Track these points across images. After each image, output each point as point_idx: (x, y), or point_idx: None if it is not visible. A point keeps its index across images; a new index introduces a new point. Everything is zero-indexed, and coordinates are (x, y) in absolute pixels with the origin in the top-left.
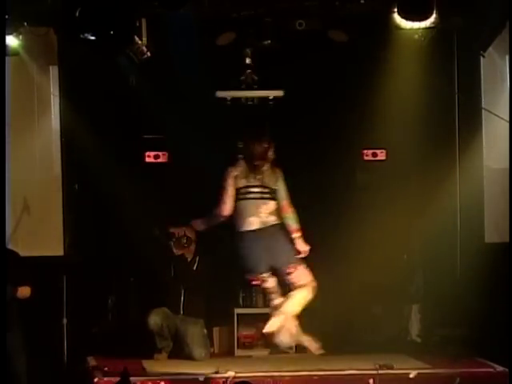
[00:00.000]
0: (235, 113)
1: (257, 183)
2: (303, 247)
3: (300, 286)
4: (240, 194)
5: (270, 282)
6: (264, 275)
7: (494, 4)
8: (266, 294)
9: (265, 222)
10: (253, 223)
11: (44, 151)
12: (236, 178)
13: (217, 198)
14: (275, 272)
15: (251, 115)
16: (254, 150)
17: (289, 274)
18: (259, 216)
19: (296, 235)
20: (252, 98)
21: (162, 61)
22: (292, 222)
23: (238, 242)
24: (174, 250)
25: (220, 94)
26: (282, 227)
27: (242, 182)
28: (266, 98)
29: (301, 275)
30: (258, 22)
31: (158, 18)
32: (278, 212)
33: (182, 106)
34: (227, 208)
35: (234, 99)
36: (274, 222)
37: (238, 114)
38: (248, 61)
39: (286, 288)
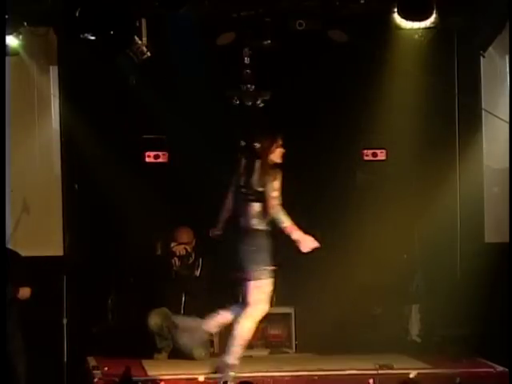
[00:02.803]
0: (240, 112)
1: (246, 183)
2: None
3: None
4: (235, 192)
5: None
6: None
7: (494, 4)
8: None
9: (249, 224)
10: (240, 222)
11: (44, 151)
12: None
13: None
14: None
15: (257, 115)
16: (254, 152)
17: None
18: (245, 217)
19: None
20: (253, 97)
21: (162, 61)
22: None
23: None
24: (176, 267)
25: (229, 92)
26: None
27: (239, 181)
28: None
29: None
30: (258, 22)
31: (158, 18)
32: (261, 215)
33: (182, 105)
34: (228, 203)
35: (240, 99)
36: (257, 227)
37: (243, 113)
38: (247, 60)
39: None
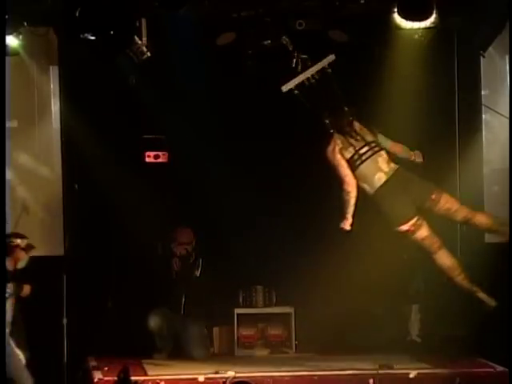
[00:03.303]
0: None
1: (361, 144)
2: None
3: (451, 210)
4: (355, 162)
5: (424, 229)
6: (415, 220)
7: (494, 4)
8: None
9: (388, 173)
10: (381, 178)
11: (44, 151)
12: (341, 150)
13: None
14: (423, 211)
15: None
16: (342, 120)
17: (435, 200)
18: (382, 170)
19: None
20: (313, 75)
21: (162, 61)
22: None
23: (377, 201)
24: (176, 268)
25: (286, 87)
26: (403, 170)
27: (350, 151)
28: (322, 69)
29: (449, 199)
30: (258, 22)
31: (158, 18)
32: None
33: (181, 105)
34: (352, 180)
35: (299, 86)
36: (396, 168)
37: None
38: (290, 46)
39: None
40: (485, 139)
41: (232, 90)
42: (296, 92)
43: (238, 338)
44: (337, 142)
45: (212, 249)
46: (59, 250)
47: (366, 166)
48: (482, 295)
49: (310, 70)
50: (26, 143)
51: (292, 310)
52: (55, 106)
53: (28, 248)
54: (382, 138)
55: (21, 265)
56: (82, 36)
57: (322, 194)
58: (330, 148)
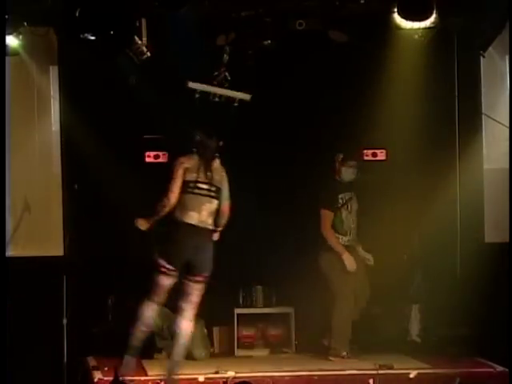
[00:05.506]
0: (202, 107)
1: (206, 180)
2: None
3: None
4: (187, 187)
5: (170, 280)
6: (172, 269)
7: (494, 4)
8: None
9: (203, 222)
10: (193, 218)
11: (44, 151)
12: (186, 170)
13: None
14: (183, 274)
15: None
16: (210, 146)
17: (197, 282)
18: (200, 213)
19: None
20: (220, 96)
21: (162, 61)
22: (219, 224)
23: (171, 230)
24: None
25: (191, 85)
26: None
27: (193, 176)
28: (232, 99)
29: (201, 290)
30: (258, 22)
31: (158, 18)
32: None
33: (181, 105)
34: (174, 197)
35: (203, 93)
36: (210, 227)
37: (205, 108)
38: (225, 59)
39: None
40: (485, 139)
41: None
42: (197, 95)
43: (238, 338)
44: (189, 161)
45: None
46: (59, 250)
47: (191, 198)
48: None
49: (221, 89)
50: (26, 143)
51: (292, 310)
52: (55, 106)
53: None
54: (225, 191)
55: None
56: (81, 36)
57: (319, 197)
58: (181, 161)
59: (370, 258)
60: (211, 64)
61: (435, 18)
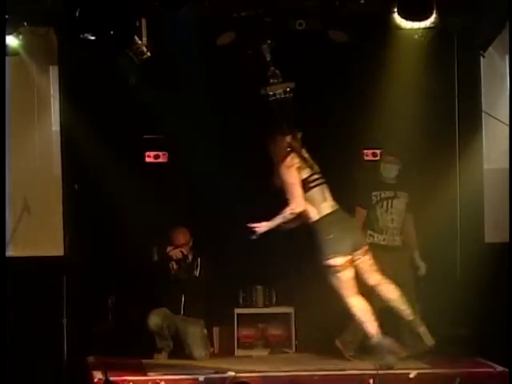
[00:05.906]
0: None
1: (315, 170)
2: None
3: (369, 269)
4: (308, 184)
5: (350, 272)
6: (346, 260)
7: (494, 4)
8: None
9: (333, 206)
10: (326, 208)
11: (44, 151)
12: (299, 169)
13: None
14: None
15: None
16: (298, 142)
17: (364, 252)
18: (327, 200)
19: None
20: (274, 93)
21: (162, 61)
22: None
23: (318, 230)
24: (174, 271)
25: (268, 90)
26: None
27: (306, 172)
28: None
29: (372, 259)
30: (258, 22)
31: (158, 18)
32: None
33: (182, 105)
34: (302, 201)
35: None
36: (337, 206)
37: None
38: (269, 57)
39: None
40: (485, 139)
41: (232, 90)
42: (272, 98)
43: (238, 337)
44: (294, 160)
45: (212, 249)
46: (59, 250)
47: (316, 192)
48: (422, 330)
49: (287, 84)
50: (25, 143)
51: (292, 310)
52: (55, 106)
53: None
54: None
55: None
56: (81, 36)
57: None
58: (287, 164)
59: (421, 268)
60: (211, 64)
61: (435, 18)
